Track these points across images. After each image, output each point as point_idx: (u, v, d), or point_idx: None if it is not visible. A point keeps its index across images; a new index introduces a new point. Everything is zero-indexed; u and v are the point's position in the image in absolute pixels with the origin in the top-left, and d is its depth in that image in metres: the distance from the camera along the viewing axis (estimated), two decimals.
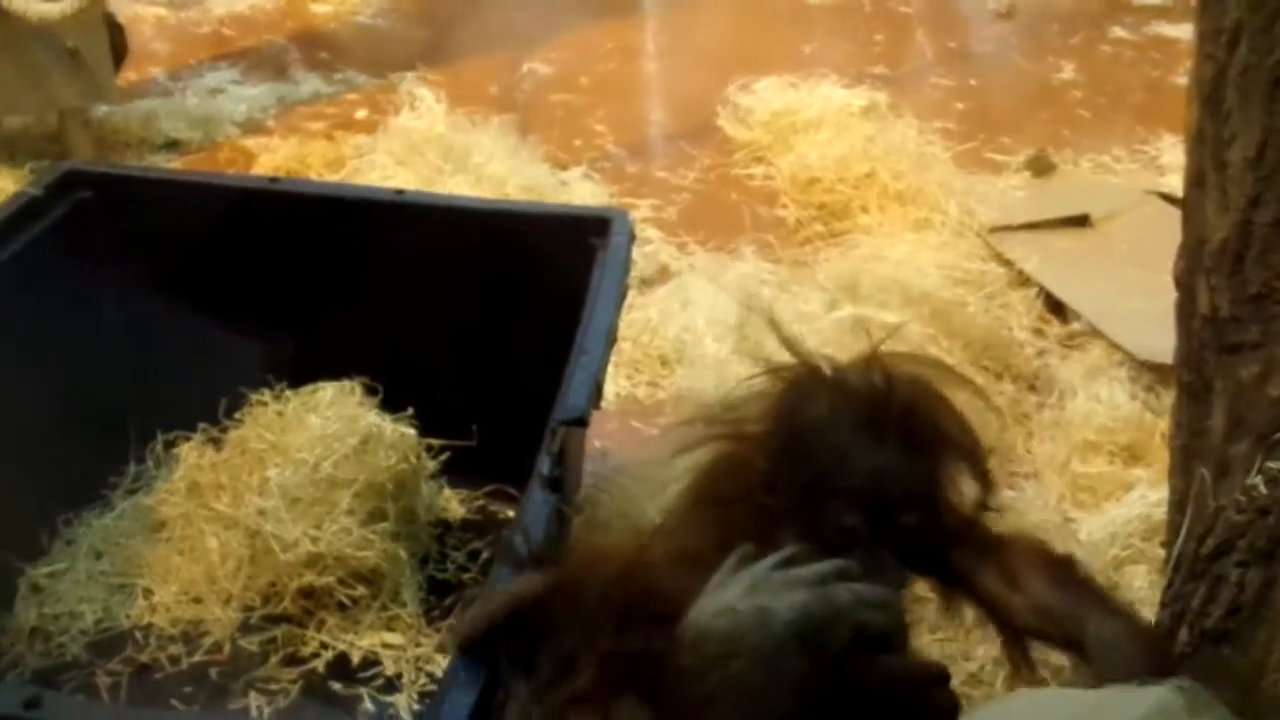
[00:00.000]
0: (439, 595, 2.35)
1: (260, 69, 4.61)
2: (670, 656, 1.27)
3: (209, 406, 2.50)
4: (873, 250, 3.31)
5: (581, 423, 1.84)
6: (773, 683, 1.19)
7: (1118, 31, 5.18)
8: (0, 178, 3.54)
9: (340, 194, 2.65)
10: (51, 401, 2.39)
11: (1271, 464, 1.57)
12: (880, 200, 3.58)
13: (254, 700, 2.15)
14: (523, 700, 1.37)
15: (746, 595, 1.29)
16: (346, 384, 2.40)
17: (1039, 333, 3.11)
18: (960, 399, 1.72)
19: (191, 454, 2.47)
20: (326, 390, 2.39)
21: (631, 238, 2.31)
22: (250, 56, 4.72)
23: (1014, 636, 1.57)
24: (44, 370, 2.38)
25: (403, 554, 2.30)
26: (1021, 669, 1.57)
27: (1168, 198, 3.49)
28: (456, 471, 2.52)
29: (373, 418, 2.33)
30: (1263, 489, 1.55)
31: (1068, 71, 4.77)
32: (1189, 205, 1.73)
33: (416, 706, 2.13)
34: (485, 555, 2.44)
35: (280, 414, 2.40)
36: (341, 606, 2.26)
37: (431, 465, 2.45)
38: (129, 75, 4.28)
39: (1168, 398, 2.58)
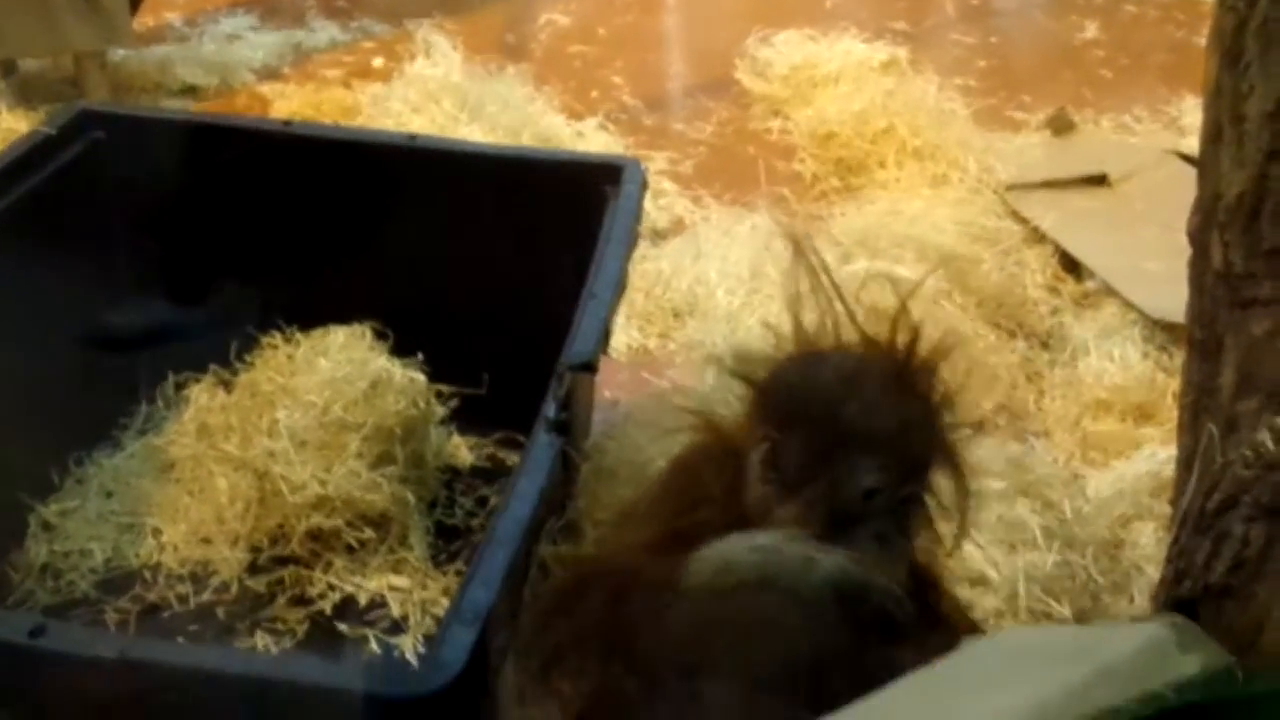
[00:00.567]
0: (446, 540, 2.36)
1: (277, 16, 4.59)
2: (661, 610, 1.27)
3: (219, 349, 2.51)
4: (889, 205, 3.28)
5: (589, 368, 1.84)
6: (802, 621, 1.20)
7: None
8: (16, 120, 3.53)
9: (354, 138, 2.64)
10: (63, 341, 2.40)
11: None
12: (898, 156, 3.55)
13: (260, 640, 2.17)
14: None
15: (787, 544, 1.30)
16: (357, 328, 2.40)
17: (1053, 290, 3.09)
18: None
19: (202, 395, 2.47)
20: (337, 334, 2.39)
21: (644, 186, 2.31)
22: (267, 3, 4.70)
23: None
24: (55, 310, 2.39)
25: (410, 498, 2.30)
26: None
27: (1187, 158, 3.46)
28: (466, 419, 2.53)
29: (382, 362, 2.33)
30: (1270, 445, 1.55)
31: (1090, 31, 4.72)
32: (1205, 160, 1.71)
33: (422, 649, 2.14)
34: (493, 502, 2.45)
35: (290, 357, 2.40)
36: (349, 549, 2.27)
37: (441, 411, 2.45)
38: (145, 20, 4.27)
39: (1180, 358, 2.56)
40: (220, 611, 2.22)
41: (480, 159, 2.50)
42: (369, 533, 2.27)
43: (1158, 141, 3.80)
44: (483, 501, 2.46)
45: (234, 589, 2.25)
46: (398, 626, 2.20)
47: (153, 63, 4.07)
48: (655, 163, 3.64)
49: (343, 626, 2.20)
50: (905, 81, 3.88)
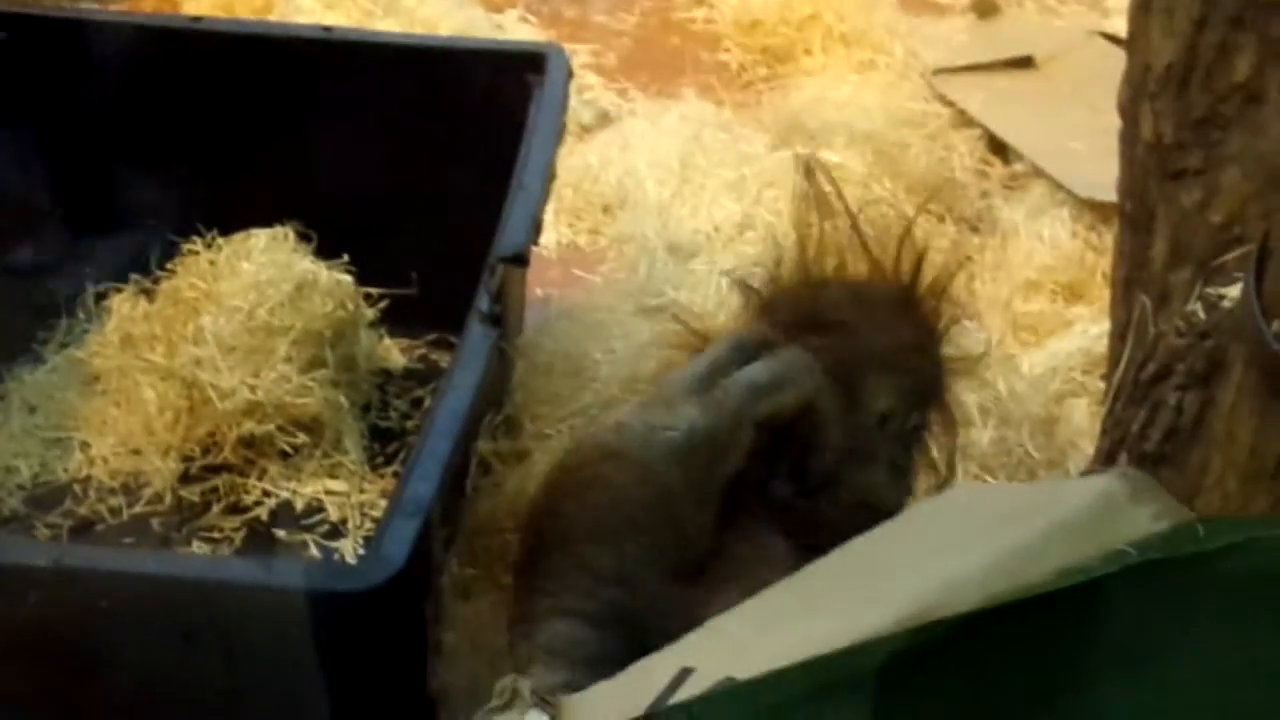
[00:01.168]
0: (382, 443, 2.34)
1: None
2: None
3: (139, 257, 2.45)
4: (816, 92, 3.25)
5: (520, 259, 1.81)
6: (649, 492, 1.18)
7: None
8: None
9: (267, 32, 2.57)
10: None
11: (1211, 290, 1.58)
12: (824, 42, 3.51)
13: (197, 549, 2.14)
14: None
15: (641, 411, 1.29)
16: (279, 230, 2.35)
17: (982, 174, 3.09)
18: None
19: (123, 305, 2.42)
20: (259, 237, 2.34)
21: (569, 74, 2.26)
22: None
23: None
24: None
25: (343, 401, 2.28)
26: None
27: (1112, 38, 3.46)
28: (396, 320, 2.49)
29: (307, 264, 2.29)
30: (1202, 314, 1.56)
31: None
32: (1134, 31, 1.70)
33: (362, 552, 2.13)
34: (428, 403, 2.42)
35: (212, 262, 2.35)
36: (283, 455, 2.24)
37: (370, 313, 2.41)
38: None
39: (1109, 236, 2.58)
40: (155, 523, 2.19)
41: (399, 50, 2.44)
42: (302, 438, 2.24)
43: (1082, 22, 3.79)
44: (417, 403, 2.44)
45: (167, 499, 2.22)
46: (337, 531, 2.18)
47: None
48: (579, 55, 3.57)
49: (280, 533, 2.18)
50: None
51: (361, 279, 2.37)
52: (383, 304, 2.44)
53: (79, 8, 3.62)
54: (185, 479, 2.24)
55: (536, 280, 2.58)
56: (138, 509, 2.21)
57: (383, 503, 2.21)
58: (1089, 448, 2.01)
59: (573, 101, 2.39)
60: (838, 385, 1.42)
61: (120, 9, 3.70)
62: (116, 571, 1.41)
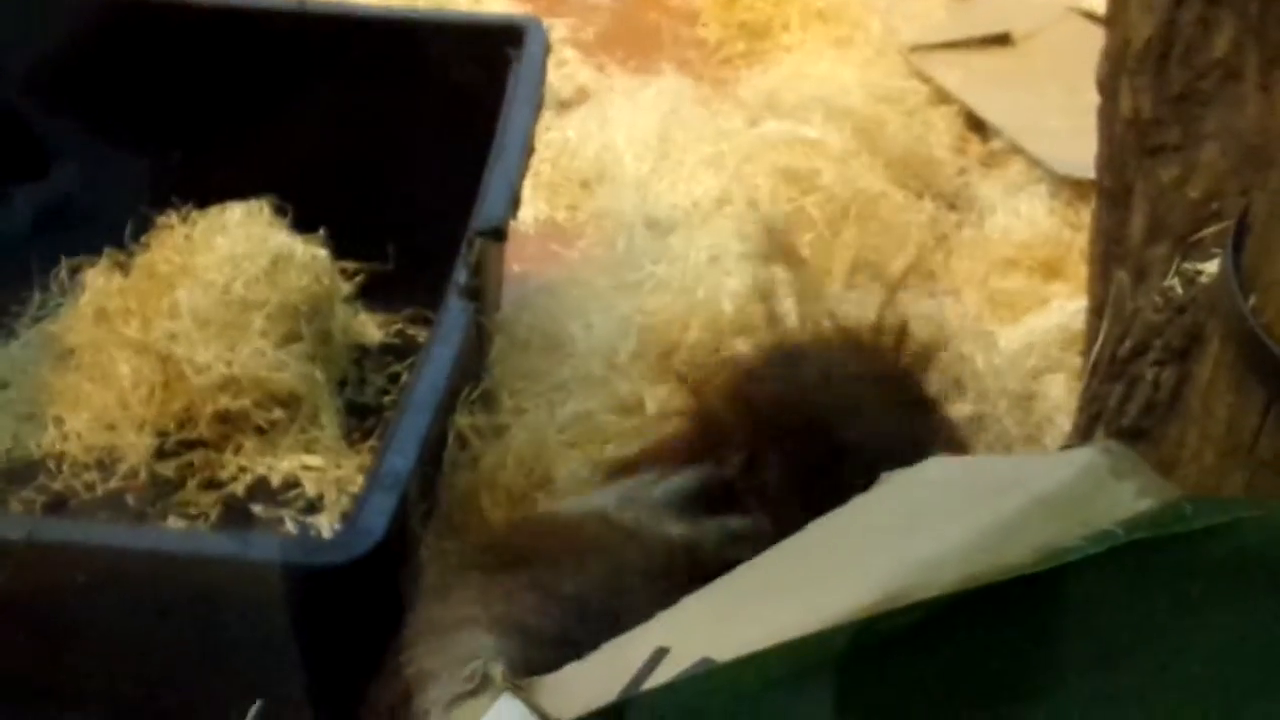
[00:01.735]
0: (359, 418, 2.33)
1: None
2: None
3: (114, 231, 2.43)
4: (794, 68, 3.24)
5: (499, 233, 1.81)
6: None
7: None
8: None
9: (242, 4, 2.54)
10: None
11: (1189, 265, 1.59)
12: (802, 18, 3.50)
13: (173, 524, 2.13)
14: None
15: (621, 507, 1.26)
16: (254, 204, 2.33)
17: (960, 151, 3.09)
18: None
19: (97, 279, 2.39)
20: (234, 211, 2.32)
21: (547, 48, 2.25)
22: None
23: None
24: None
25: (320, 376, 2.26)
26: None
27: (1090, 15, 3.46)
28: (373, 295, 2.47)
29: (283, 238, 2.27)
30: (1179, 290, 1.57)
31: None
32: (1113, 6, 1.71)
33: (338, 526, 2.12)
34: (405, 379, 2.41)
35: (188, 236, 2.33)
36: (259, 430, 2.23)
37: (346, 288, 2.40)
38: None
39: (1086, 214, 2.58)
40: (129, 498, 2.18)
41: (376, 22, 2.42)
42: (278, 413, 2.23)
43: None
44: (394, 379, 2.42)
45: (142, 475, 2.21)
46: (313, 506, 2.17)
47: None
48: (556, 30, 3.54)
49: (257, 508, 2.17)
50: None
51: (338, 253, 2.36)
52: (359, 278, 2.43)
53: None
54: (160, 454, 2.22)
55: (514, 256, 2.57)
56: (112, 484, 2.19)
57: (360, 478, 2.20)
58: (1066, 423, 2.02)
59: (550, 76, 2.38)
60: (812, 482, 1.33)
61: None
62: (92, 545, 1.40)
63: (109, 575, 1.36)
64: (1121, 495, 0.78)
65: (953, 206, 2.94)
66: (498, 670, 0.85)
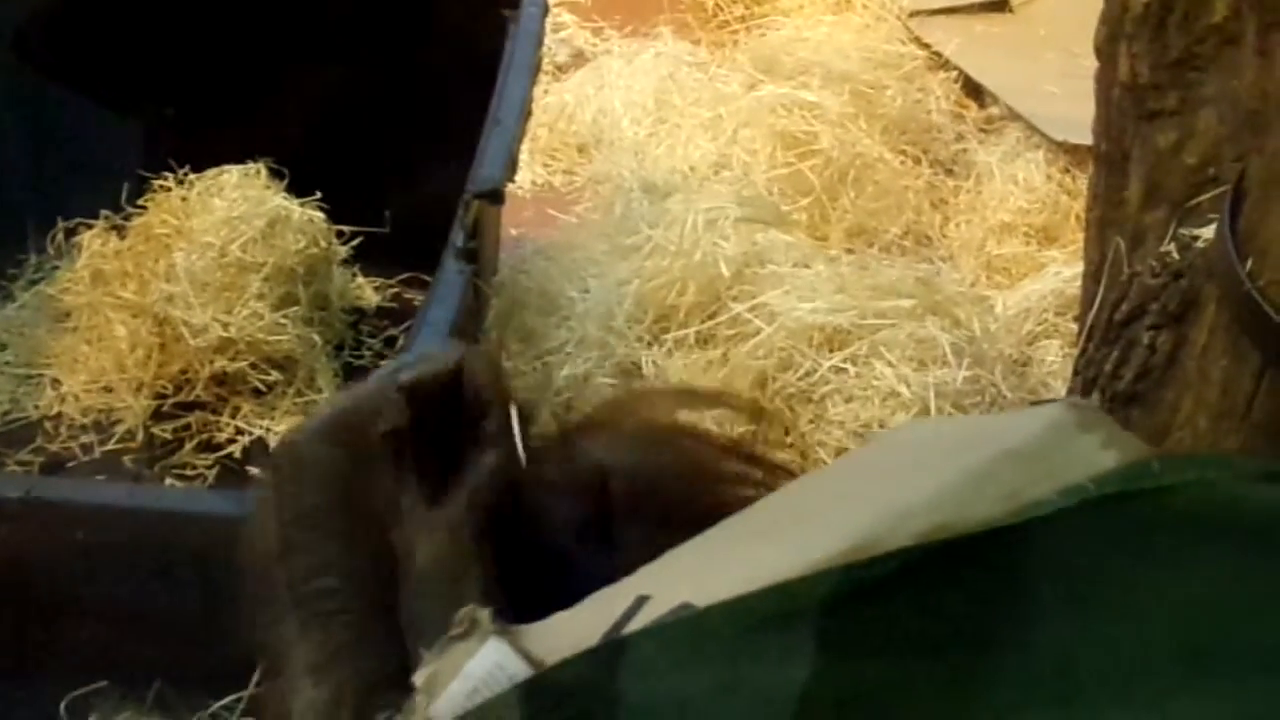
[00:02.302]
0: (355, 381, 2.33)
1: None
2: None
3: (110, 193, 2.42)
4: (793, 33, 3.24)
5: (496, 196, 1.80)
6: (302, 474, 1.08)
7: None
8: None
9: None
10: None
11: (1185, 230, 1.59)
12: None
13: (170, 486, 2.13)
14: None
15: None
16: (251, 167, 2.33)
17: (957, 116, 3.09)
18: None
19: (94, 242, 2.39)
20: (231, 173, 2.32)
21: (545, 9, 2.24)
22: None
23: None
24: None
25: (316, 339, 2.27)
26: None
27: None
28: (369, 259, 2.47)
29: (279, 201, 2.27)
30: (1176, 255, 1.57)
31: None
32: None
33: None
34: (401, 342, 2.41)
35: (184, 199, 2.33)
36: (256, 392, 2.23)
37: (342, 251, 2.40)
38: None
39: (1083, 180, 2.59)
40: (127, 460, 2.18)
41: None
42: (275, 375, 2.23)
43: None
44: (390, 342, 2.43)
45: (139, 437, 2.21)
46: None
47: None
48: None
49: (254, 470, 2.17)
50: None
51: (333, 217, 2.35)
52: (355, 242, 2.42)
53: None
54: (157, 416, 2.23)
55: (511, 220, 2.57)
56: (110, 446, 2.20)
57: None
58: (1061, 387, 2.03)
59: (548, 41, 2.37)
60: None
61: None
62: (91, 504, 1.40)
63: (108, 534, 1.36)
64: (1088, 449, 0.79)
65: (950, 172, 2.94)
66: (484, 615, 0.86)
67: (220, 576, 1.44)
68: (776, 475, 1.14)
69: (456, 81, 2.24)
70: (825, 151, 2.68)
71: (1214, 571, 0.75)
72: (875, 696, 0.74)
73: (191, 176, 2.36)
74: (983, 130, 3.07)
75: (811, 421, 1.91)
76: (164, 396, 2.24)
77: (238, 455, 2.19)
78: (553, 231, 2.64)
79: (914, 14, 3.44)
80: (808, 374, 1.95)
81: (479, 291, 1.79)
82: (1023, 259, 2.64)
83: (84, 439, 2.21)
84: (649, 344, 2.07)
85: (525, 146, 2.26)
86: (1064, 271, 2.41)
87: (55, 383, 2.29)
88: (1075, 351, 1.77)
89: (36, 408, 2.26)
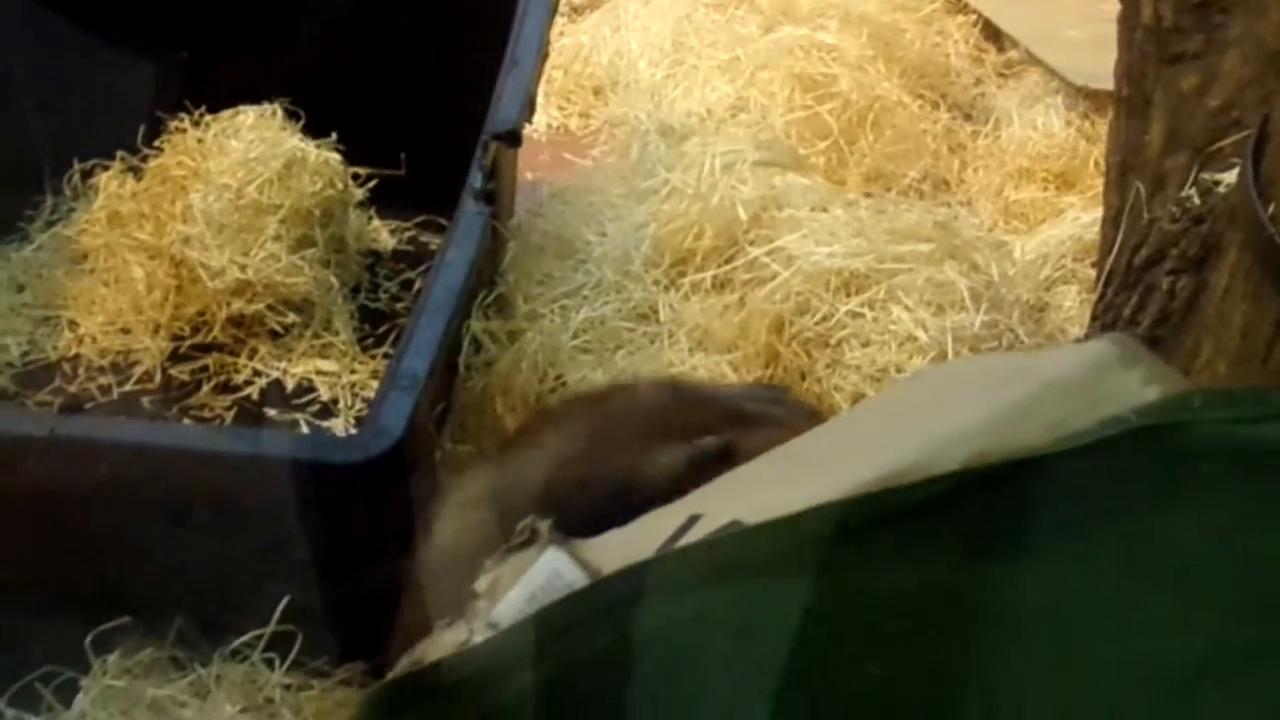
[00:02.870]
0: (372, 324, 2.34)
1: None
2: None
3: (126, 135, 2.42)
4: None
5: (514, 137, 1.79)
6: None
7: None
8: None
9: None
10: None
11: (1207, 175, 1.58)
12: None
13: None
14: None
15: None
16: (267, 108, 2.33)
17: (976, 60, 3.07)
18: None
19: (111, 183, 2.39)
20: (247, 115, 2.32)
21: None
22: None
23: None
24: None
25: (334, 281, 2.27)
26: None
27: None
28: (385, 202, 2.47)
29: (296, 142, 2.27)
30: (1197, 200, 1.56)
31: None
32: None
33: (353, 430, 2.13)
34: (418, 285, 2.42)
35: (200, 140, 2.32)
36: (273, 334, 2.24)
37: (359, 193, 2.40)
38: None
39: (1102, 125, 2.57)
40: (145, 401, 2.19)
41: None
42: (293, 317, 2.24)
43: None
44: (407, 285, 2.43)
45: (157, 378, 2.22)
46: (327, 410, 2.18)
47: None
48: None
49: (271, 412, 2.18)
50: None
51: (350, 158, 2.35)
52: (371, 184, 2.42)
53: None
54: (175, 358, 2.24)
55: (527, 164, 2.56)
56: (127, 387, 2.21)
57: (373, 383, 2.21)
58: (1078, 332, 2.02)
59: None
60: None
61: None
62: (112, 441, 1.41)
63: (129, 471, 1.37)
64: (1129, 382, 0.80)
65: (968, 116, 2.92)
66: (544, 525, 0.88)
67: (239, 516, 1.45)
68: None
69: (472, 21, 2.23)
70: (843, 94, 2.66)
71: (1236, 510, 0.76)
72: (877, 614, 0.76)
73: (208, 118, 2.35)
74: (1001, 74, 3.04)
75: (828, 366, 1.91)
76: (181, 338, 2.25)
77: (255, 397, 2.20)
78: (569, 175, 2.63)
79: None
80: (825, 318, 1.94)
81: (497, 234, 1.79)
82: (1041, 204, 2.62)
83: (102, 380, 2.22)
84: (666, 288, 2.07)
85: (541, 89, 2.25)
86: (1082, 217, 2.40)
87: (73, 324, 2.30)
88: (1093, 297, 1.77)
89: (55, 349, 2.27)
